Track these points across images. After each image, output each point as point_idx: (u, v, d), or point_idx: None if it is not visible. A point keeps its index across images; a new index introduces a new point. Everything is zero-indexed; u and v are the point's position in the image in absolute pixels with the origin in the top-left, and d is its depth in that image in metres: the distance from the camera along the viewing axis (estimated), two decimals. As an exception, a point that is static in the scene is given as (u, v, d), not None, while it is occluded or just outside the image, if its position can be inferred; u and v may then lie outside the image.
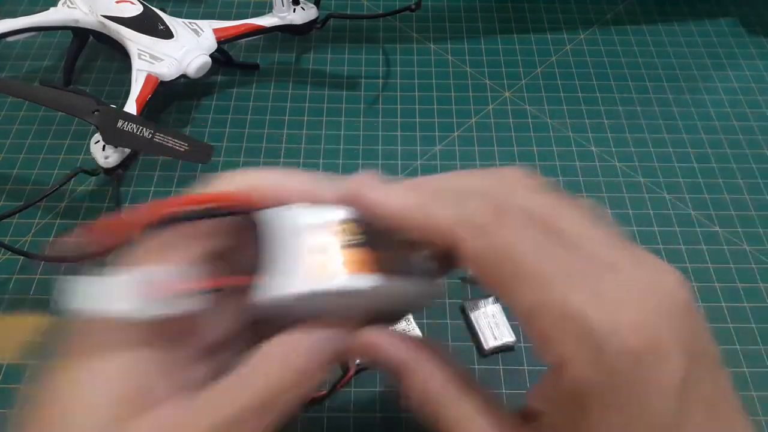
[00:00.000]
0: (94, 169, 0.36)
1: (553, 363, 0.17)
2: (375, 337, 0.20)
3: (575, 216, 0.18)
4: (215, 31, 0.41)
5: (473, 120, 0.42)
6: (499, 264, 0.17)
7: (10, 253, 0.35)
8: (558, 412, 0.18)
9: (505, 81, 0.45)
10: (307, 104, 0.43)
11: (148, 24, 0.40)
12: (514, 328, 0.32)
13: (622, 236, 0.19)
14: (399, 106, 0.43)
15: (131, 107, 0.37)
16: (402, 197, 0.19)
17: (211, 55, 0.40)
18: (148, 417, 0.17)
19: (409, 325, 0.32)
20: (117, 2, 0.40)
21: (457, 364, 0.20)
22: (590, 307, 0.16)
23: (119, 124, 0.34)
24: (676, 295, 0.17)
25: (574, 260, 0.17)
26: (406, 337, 0.20)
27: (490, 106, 0.43)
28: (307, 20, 0.43)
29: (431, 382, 0.19)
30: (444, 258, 0.20)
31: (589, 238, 0.18)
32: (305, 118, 0.42)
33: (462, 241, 0.18)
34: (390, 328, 0.21)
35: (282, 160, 0.40)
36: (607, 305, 0.16)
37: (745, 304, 0.34)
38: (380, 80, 0.45)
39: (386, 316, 0.21)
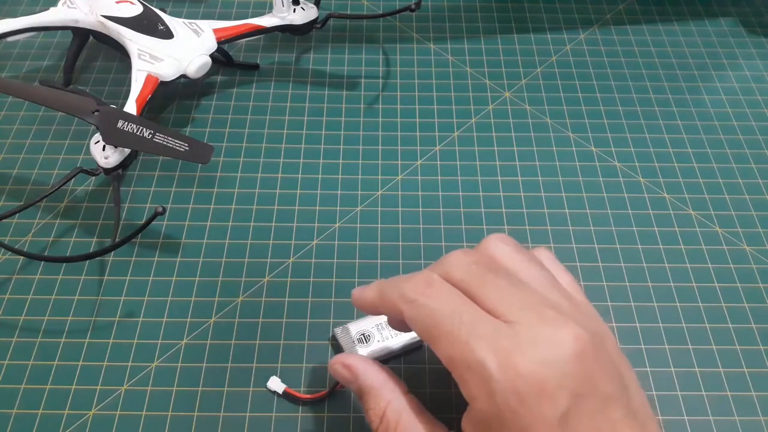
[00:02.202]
0: (94, 169, 0.36)
1: (467, 398, 0.22)
2: (353, 360, 0.26)
3: (498, 280, 0.23)
4: (215, 31, 0.41)
5: (473, 120, 0.42)
6: (424, 326, 0.23)
7: (10, 253, 0.35)
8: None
9: (505, 81, 0.45)
10: (307, 104, 0.43)
11: (148, 24, 0.40)
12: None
13: (549, 287, 0.24)
14: (399, 106, 0.43)
15: (131, 107, 0.37)
16: (372, 291, 0.26)
17: (211, 55, 0.40)
18: None
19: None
20: (117, 2, 0.40)
21: (411, 394, 0.26)
22: (488, 358, 0.21)
23: (119, 124, 0.34)
24: (567, 349, 0.21)
25: (478, 319, 0.22)
26: (375, 363, 0.26)
27: (490, 106, 0.43)
28: (307, 20, 0.43)
29: (392, 406, 0.25)
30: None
31: (501, 300, 0.23)
32: (305, 118, 0.42)
33: (401, 311, 0.24)
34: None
35: (282, 160, 0.40)
36: (501, 357, 0.21)
37: (745, 304, 0.34)
38: (380, 80, 0.45)
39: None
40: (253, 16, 0.43)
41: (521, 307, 0.22)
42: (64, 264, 0.35)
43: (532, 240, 0.36)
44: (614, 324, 0.33)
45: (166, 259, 0.35)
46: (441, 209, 0.38)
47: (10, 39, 0.41)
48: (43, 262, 0.35)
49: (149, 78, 0.38)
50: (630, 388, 0.23)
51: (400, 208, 0.38)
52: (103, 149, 0.35)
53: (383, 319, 0.31)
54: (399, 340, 0.31)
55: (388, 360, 0.31)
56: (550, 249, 0.26)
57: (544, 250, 0.27)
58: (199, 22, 0.41)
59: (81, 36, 0.43)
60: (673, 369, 0.32)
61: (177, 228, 0.36)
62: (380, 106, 0.43)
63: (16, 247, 0.35)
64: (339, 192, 0.38)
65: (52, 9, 0.41)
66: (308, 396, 0.30)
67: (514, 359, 0.21)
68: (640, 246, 0.36)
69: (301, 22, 0.43)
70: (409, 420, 0.24)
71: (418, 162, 0.40)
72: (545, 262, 0.26)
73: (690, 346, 0.32)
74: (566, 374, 0.21)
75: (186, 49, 0.39)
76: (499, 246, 0.25)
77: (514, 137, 0.41)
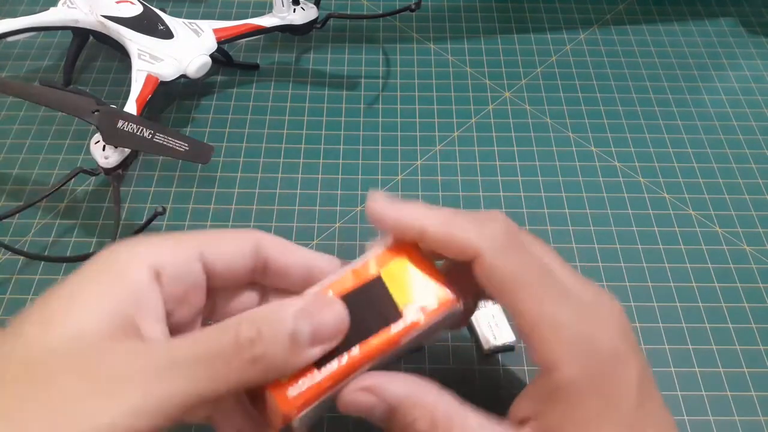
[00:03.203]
0: (94, 169, 0.36)
1: (546, 364, 0.21)
2: (370, 380, 0.21)
3: (553, 254, 0.23)
4: (215, 31, 0.41)
5: (473, 120, 0.42)
6: (512, 277, 0.21)
7: (10, 253, 0.35)
8: (548, 410, 0.21)
9: (505, 81, 0.45)
10: (307, 104, 0.43)
11: (148, 24, 0.40)
12: (514, 328, 0.32)
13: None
14: (399, 106, 0.43)
15: (131, 107, 0.37)
16: (426, 214, 0.23)
17: (211, 55, 0.40)
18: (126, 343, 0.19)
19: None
20: (117, 2, 0.40)
21: (445, 389, 0.22)
22: (579, 321, 0.21)
23: (119, 124, 0.34)
24: (623, 317, 0.22)
25: (564, 286, 0.22)
26: (391, 372, 0.22)
27: (490, 106, 0.43)
28: (307, 20, 0.43)
29: (438, 407, 0.21)
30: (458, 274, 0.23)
31: (561, 269, 0.23)
32: (305, 118, 0.42)
33: (480, 256, 0.22)
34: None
35: (282, 160, 0.40)
36: (589, 321, 0.21)
37: (745, 304, 0.34)
38: (380, 80, 0.45)
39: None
40: (253, 16, 0.43)
41: (577, 282, 0.23)
42: (64, 264, 0.35)
43: (532, 240, 0.36)
44: (614, 324, 0.33)
45: (166, 259, 0.35)
46: (441, 209, 0.37)
47: (10, 39, 0.41)
48: (43, 262, 0.35)
49: (149, 78, 0.38)
50: None
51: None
52: (103, 149, 0.35)
53: None
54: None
55: (388, 366, 0.31)
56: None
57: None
58: (199, 22, 0.41)
59: (81, 36, 0.43)
60: (673, 369, 0.32)
61: (177, 228, 0.36)
62: (380, 106, 0.43)
63: (16, 247, 0.35)
64: (339, 192, 0.38)
65: (52, 9, 0.41)
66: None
67: (598, 325, 0.21)
68: (640, 246, 0.36)
69: (301, 22, 0.43)
70: (460, 416, 0.21)
71: (418, 162, 0.40)
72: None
73: (690, 346, 0.32)
74: (633, 342, 0.22)
75: (186, 49, 0.39)
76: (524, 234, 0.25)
77: (514, 137, 0.41)
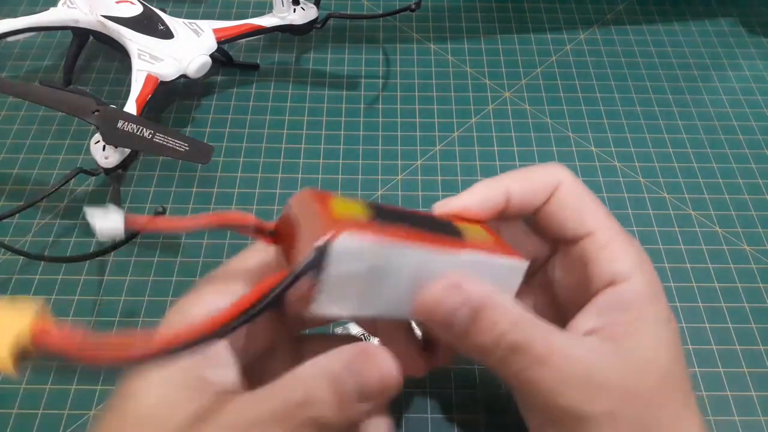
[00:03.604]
0: (94, 169, 0.36)
1: (614, 277, 0.23)
2: (455, 276, 0.20)
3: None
4: (215, 31, 0.41)
5: (473, 120, 0.42)
6: (589, 201, 0.25)
7: (10, 253, 0.35)
8: (613, 321, 0.22)
9: (505, 81, 0.45)
10: (307, 104, 0.43)
11: (148, 24, 0.40)
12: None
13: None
14: (399, 106, 0.43)
15: (131, 107, 0.37)
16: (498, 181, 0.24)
17: (211, 55, 0.40)
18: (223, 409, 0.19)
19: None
20: (117, 2, 0.40)
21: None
22: (637, 249, 0.23)
23: (119, 124, 0.34)
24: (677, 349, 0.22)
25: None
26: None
27: (490, 106, 0.43)
28: (307, 20, 0.43)
29: (513, 312, 0.20)
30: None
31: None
32: (305, 118, 0.42)
33: (563, 183, 0.24)
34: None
35: (282, 160, 0.40)
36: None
37: (745, 304, 0.34)
38: (380, 80, 0.45)
39: None
40: (253, 16, 0.43)
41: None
42: (64, 264, 0.35)
43: (532, 240, 0.36)
44: (614, 324, 0.33)
45: (166, 259, 0.35)
46: (441, 209, 0.37)
47: (10, 39, 0.41)
48: (43, 262, 0.35)
49: (149, 78, 0.38)
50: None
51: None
52: (103, 149, 0.35)
53: None
54: None
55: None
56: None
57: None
58: (199, 22, 0.41)
59: (81, 36, 0.43)
60: (673, 369, 0.32)
61: (177, 228, 0.36)
62: (380, 106, 0.43)
63: (16, 247, 0.35)
64: (339, 192, 0.38)
65: (52, 9, 0.41)
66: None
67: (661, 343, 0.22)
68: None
69: (301, 22, 0.43)
70: (542, 327, 0.21)
71: (418, 162, 0.40)
72: None
73: (690, 346, 0.32)
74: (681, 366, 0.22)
75: (186, 49, 0.39)
76: (582, 190, 0.25)
77: (514, 137, 0.41)
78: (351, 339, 0.20)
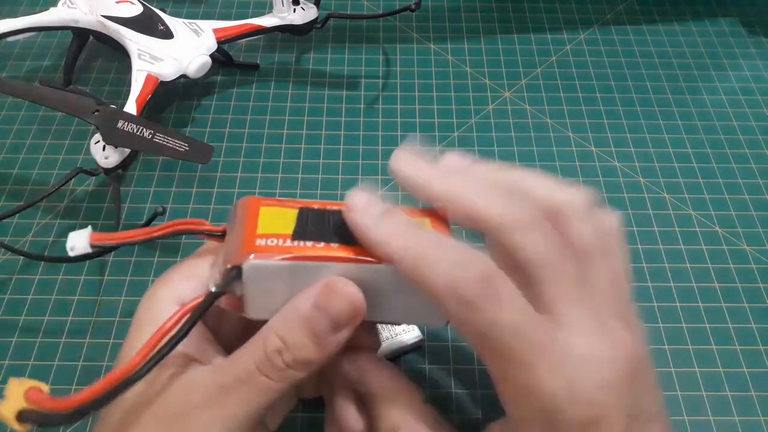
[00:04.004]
0: (94, 169, 0.36)
1: (514, 419, 0.20)
2: (364, 360, 0.23)
3: (570, 274, 0.20)
4: (215, 31, 0.41)
5: (473, 120, 0.42)
6: (477, 338, 0.20)
7: (10, 253, 0.35)
8: None
9: (505, 81, 0.45)
10: (307, 104, 0.43)
11: (148, 24, 0.40)
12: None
13: (624, 293, 0.22)
14: (399, 106, 0.43)
15: (131, 107, 0.37)
16: (398, 241, 0.20)
17: (211, 55, 0.40)
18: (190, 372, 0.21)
19: (408, 326, 0.31)
20: (117, 2, 0.40)
21: (429, 404, 0.22)
22: (550, 380, 0.19)
23: (119, 124, 0.34)
24: (624, 368, 0.19)
25: (543, 337, 0.19)
26: (389, 366, 0.23)
27: (490, 106, 0.43)
28: (307, 20, 0.43)
29: (406, 423, 0.22)
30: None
31: (565, 302, 0.20)
32: (305, 118, 0.42)
33: (447, 308, 0.19)
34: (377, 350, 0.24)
35: (282, 160, 0.40)
36: (567, 385, 0.19)
37: (745, 304, 0.34)
38: (380, 80, 0.45)
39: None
40: (253, 16, 0.43)
41: (584, 319, 0.20)
42: (64, 264, 0.35)
43: (532, 240, 0.36)
44: (614, 324, 0.33)
45: (166, 260, 0.35)
46: (441, 209, 0.37)
47: (10, 39, 0.41)
48: (42, 262, 0.35)
49: (149, 78, 0.38)
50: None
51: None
52: (103, 149, 0.35)
53: None
54: (405, 338, 0.31)
55: (390, 360, 0.31)
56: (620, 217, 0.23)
57: (613, 218, 0.23)
58: (199, 22, 0.41)
59: (81, 36, 0.43)
60: (673, 369, 0.32)
61: (177, 228, 0.36)
62: (380, 106, 0.43)
63: (16, 247, 0.35)
64: (339, 192, 0.38)
65: (52, 9, 0.41)
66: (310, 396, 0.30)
67: (578, 387, 0.19)
68: (640, 246, 0.36)
69: (301, 22, 0.43)
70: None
71: (418, 162, 0.40)
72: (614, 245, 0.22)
73: (690, 346, 0.32)
74: (623, 397, 0.19)
75: (186, 49, 0.39)
76: (581, 221, 0.21)
77: (514, 137, 0.41)
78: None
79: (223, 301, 0.20)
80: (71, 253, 0.21)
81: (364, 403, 0.23)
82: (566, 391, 0.19)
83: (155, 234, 0.22)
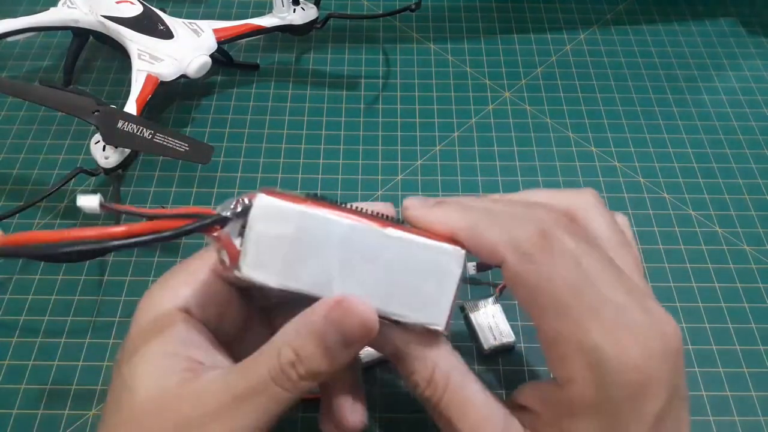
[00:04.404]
0: (94, 169, 0.36)
1: (561, 378, 0.20)
2: (386, 329, 0.22)
3: (602, 255, 0.21)
4: (215, 31, 0.41)
5: (473, 120, 0.42)
6: (533, 291, 0.20)
7: (10, 253, 0.35)
8: (550, 412, 0.21)
9: (505, 81, 0.45)
10: (307, 104, 0.43)
11: (148, 24, 0.40)
12: (514, 328, 0.32)
13: (641, 281, 0.22)
14: (399, 106, 0.43)
15: (131, 107, 0.37)
16: (455, 216, 0.21)
17: (211, 55, 0.40)
18: (199, 380, 0.21)
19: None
20: (117, 2, 0.40)
21: (456, 352, 0.22)
22: (603, 341, 0.19)
23: (119, 124, 0.34)
24: (672, 344, 0.20)
25: (597, 299, 0.20)
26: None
27: (490, 106, 0.43)
28: (307, 20, 0.43)
29: (439, 367, 0.21)
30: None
31: (610, 280, 0.20)
32: (305, 118, 0.42)
33: (506, 261, 0.20)
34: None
35: (282, 160, 0.40)
36: (619, 346, 0.19)
37: (745, 304, 0.34)
38: (380, 80, 0.45)
39: None
40: (253, 16, 0.43)
41: (627, 292, 0.20)
42: (64, 264, 0.35)
43: (532, 240, 0.36)
44: (614, 324, 0.33)
45: (166, 260, 0.35)
46: (441, 209, 0.37)
47: (10, 39, 0.41)
48: (43, 262, 0.35)
49: (149, 78, 0.38)
50: None
51: (400, 209, 0.37)
52: (103, 149, 0.35)
53: None
54: None
55: (384, 362, 0.31)
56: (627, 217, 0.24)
57: (622, 217, 0.25)
58: (199, 22, 0.41)
59: (81, 36, 0.43)
60: (673, 369, 0.32)
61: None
62: (380, 106, 0.43)
63: (16, 247, 0.35)
64: (339, 192, 0.38)
65: (52, 9, 0.41)
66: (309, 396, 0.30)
67: (630, 350, 0.19)
68: (640, 246, 0.36)
69: (301, 22, 0.43)
70: (459, 381, 0.21)
71: (418, 162, 0.40)
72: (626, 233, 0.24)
73: (690, 347, 0.32)
74: (669, 371, 0.20)
75: (186, 49, 0.39)
76: (600, 215, 0.23)
77: (514, 137, 0.41)
78: (314, 299, 0.20)
79: (221, 240, 0.20)
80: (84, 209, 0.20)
81: (396, 363, 0.22)
82: (618, 354, 0.19)
83: (166, 212, 0.21)
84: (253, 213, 0.20)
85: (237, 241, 0.20)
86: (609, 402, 0.19)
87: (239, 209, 0.19)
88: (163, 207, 0.32)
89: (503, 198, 0.24)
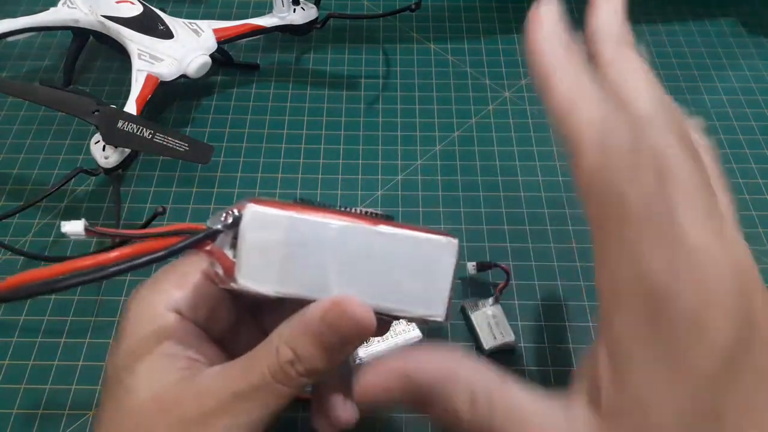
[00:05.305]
0: (94, 169, 0.36)
1: (611, 306, 0.19)
2: (393, 363, 0.21)
3: (694, 174, 0.19)
4: (215, 31, 0.41)
5: (473, 120, 0.42)
6: (606, 196, 0.19)
7: (10, 253, 0.35)
8: (608, 360, 0.19)
9: (505, 81, 0.45)
10: (307, 104, 0.43)
11: (148, 24, 0.40)
12: (514, 328, 0.32)
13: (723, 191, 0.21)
14: (399, 106, 0.43)
15: (131, 107, 0.37)
16: (572, 75, 0.21)
17: (211, 55, 0.40)
18: (197, 380, 0.21)
19: (408, 325, 0.32)
20: (117, 2, 0.40)
21: (481, 362, 0.21)
22: (666, 267, 0.18)
23: (119, 124, 0.34)
24: (743, 279, 0.18)
25: (672, 227, 0.18)
26: (415, 349, 0.22)
27: (490, 106, 0.43)
28: (307, 20, 0.43)
29: (477, 385, 0.20)
30: None
31: (695, 205, 0.18)
32: (305, 118, 0.42)
33: (585, 155, 0.20)
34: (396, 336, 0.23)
35: (282, 160, 0.40)
36: (681, 271, 0.18)
37: (745, 304, 0.34)
38: (380, 80, 0.45)
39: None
40: (253, 16, 0.43)
41: (707, 220, 0.18)
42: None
43: (532, 240, 0.36)
44: (614, 324, 0.33)
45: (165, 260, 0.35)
46: (441, 209, 0.37)
47: (10, 39, 0.41)
48: (42, 262, 0.35)
49: (149, 78, 0.38)
50: None
51: (400, 208, 0.38)
52: (103, 149, 0.35)
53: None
54: (402, 338, 0.31)
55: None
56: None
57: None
58: (199, 22, 0.41)
59: (81, 36, 0.43)
60: (673, 369, 0.32)
61: (177, 228, 0.36)
62: (380, 106, 0.43)
63: (16, 247, 0.35)
64: (339, 192, 0.38)
65: (52, 9, 0.41)
66: (307, 396, 0.30)
67: (693, 280, 0.18)
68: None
69: (301, 22, 0.43)
70: (500, 392, 0.20)
71: (418, 162, 0.40)
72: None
73: (690, 346, 0.32)
74: (734, 308, 0.18)
75: (186, 49, 0.39)
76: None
77: (514, 137, 0.41)
78: (303, 302, 0.21)
79: (214, 254, 0.20)
80: (69, 236, 0.20)
81: (424, 407, 0.21)
82: (681, 282, 0.18)
83: (153, 233, 0.21)
84: (244, 223, 0.20)
85: (230, 253, 0.20)
86: (667, 334, 0.18)
87: (230, 221, 0.20)
88: (157, 209, 0.32)
89: None
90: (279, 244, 0.20)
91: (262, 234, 0.20)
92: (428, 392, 0.21)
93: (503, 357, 0.32)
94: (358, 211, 0.21)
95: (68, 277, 0.17)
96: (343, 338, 0.20)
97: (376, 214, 0.22)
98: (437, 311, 0.21)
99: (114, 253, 0.18)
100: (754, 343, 0.18)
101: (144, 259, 0.18)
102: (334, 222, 0.20)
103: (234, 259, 0.20)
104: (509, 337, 0.32)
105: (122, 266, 0.18)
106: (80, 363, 0.31)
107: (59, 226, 0.36)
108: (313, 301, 0.20)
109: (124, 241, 0.33)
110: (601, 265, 0.19)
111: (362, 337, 0.21)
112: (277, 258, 0.20)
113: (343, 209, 0.21)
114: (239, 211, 0.20)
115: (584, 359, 0.20)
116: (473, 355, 0.21)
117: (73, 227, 0.19)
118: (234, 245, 0.20)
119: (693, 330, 0.18)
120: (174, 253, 0.19)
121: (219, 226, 0.20)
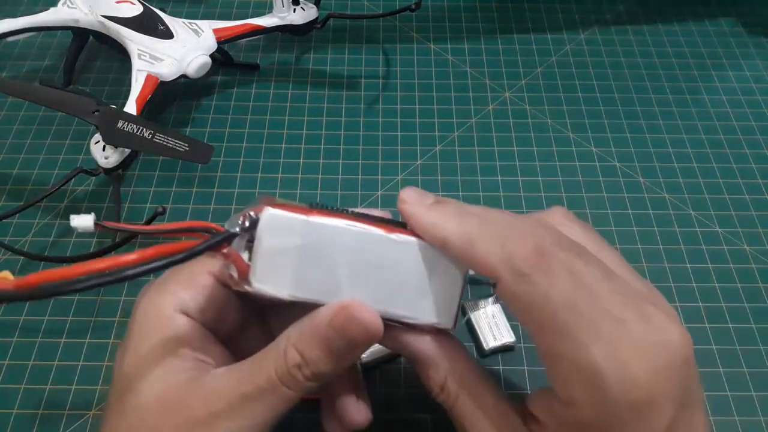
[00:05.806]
0: (94, 169, 0.36)
1: (564, 399, 0.20)
2: (401, 333, 0.22)
3: (598, 267, 0.20)
4: (215, 31, 0.41)
5: (473, 120, 0.42)
6: (531, 308, 0.20)
7: (10, 253, 0.35)
8: (558, 426, 0.20)
9: (505, 81, 0.45)
10: (307, 104, 0.43)
11: (148, 24, 0.40)
12: (514, 328, 0.32)
13: (636, 280, 0.22)
14: (399, 106, 0.43)
15: (131, 107, 0.37)
16: (451, 223, 0.21)
17: (211, 55, 0.40)
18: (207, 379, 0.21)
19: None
20: (117, 2, 0.40)
21: (472, 360, 0.23)
22: (603, 361, 0.18)
23: (119, 124, 0.34)
24: (678, 354, 0.19)
25: (595, 316, 0.19)
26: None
27: (490, 106, 0.43)
28: (307, 20, 0.43)
29: (452, 376, 0.22)
30: None
31: (608, 292, 0.20)
32: (305, 118, 0.42)
33: (501, 280, 0.20)
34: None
35: (282, 160, 0.40)
36: (618, 364, 0.18)
37: (745, 304, 0.34)
38: (380, 80, 0.45)
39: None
40: (253, 16, 0.43)
41: (623, 303, 0.20)
42: (64, 264, 0.35)
43: (532, 240, 0.36)
44: (614, 324, 0.33)
45: (166, 259, 0.35)
46: (441, 209, 0.37)
47: (10, 39, 0.41)
48: (43, 262, 0.35)
49: (149, 78, 0.38)
50: None
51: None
52: (103, 149, 0.35)
53: None
54: None
55: (393, 358, 0.31)
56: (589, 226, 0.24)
57: (589, 225, 0.24)
58: (199, 22, 0.41)
59: (81, 36, 0.43)
60: (673, 369, 0.32)
61: (177, 228, 0.36)
62: (380, 106, 0.43)
63: (16, 247, 0.35)
64: (339, 192, 0.38)
65: (52, 9, 0.41)
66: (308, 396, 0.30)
67: (631, 368, 0.18)
68: (640, 246, 0.36)
69: (301, 22, 0.43)
70: (472, 390, 0.22)
71: (418, 162, 0.40)
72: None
73: (690, 346, 0.32)
74: (676, 383, 0.19)
75: (186, 49, 0.39)
76: (575, 225, 0.23)
77: (514, 137, 0.41)
78: (314, 306, 0.21)
79: (230, 256, 0.20)
80: (77, 230, 0.20)
81: (414, 366, 0.23)
82: (619, 372, 0.18)
83: (164, 229, 0.22)
84: (261, 226, 0.20)
85: (245, 255, 0.20)
86: (613, 421, 0.19)
87: (247, 224, 0.20)
88: (158, 209, 0.32)
89: None
90: (294, 248, 0.20)
91: (278, 238, 0.20)
92: (415, 360, 0.23)
93: (503, 357, 0.32)
94: (373, 217, 0.21)
95: (88, 278, 0.17)
96: (350, 343, 0.20)
97: (390, 221, 0.22)
98: (447, 319, 0.22)
99: (133, 255, 0.18)
100: (687, 410, 0.19)
101: (163, 261, 0.18)
102: (349, 228, 0.20)
103: (249, 263, 0.20)
104: (509, 337, 0.32)
105: (141, 269, 0.18)
106: (80, 363, 0.31)
107: (59, 226, 0.37)
108: (323, 304, 0.21)
109: (127, 239, 0.33)
110: (548, 362, 0.20)
111: (369, 342, 0.21)
112: (291, 262, 0.20)
113: (357, 214, 0.21)
114: (256, 214, 0.20)
115: (541, 397, 0.21)
116: (473, 354, 0.22)
117: (83, 221, 0.19)
118: (249, 248, 0.20)
119: (639, 421, 0.19)
120: (193, 256, 0.19)
121: (237, 229, 0.20)
